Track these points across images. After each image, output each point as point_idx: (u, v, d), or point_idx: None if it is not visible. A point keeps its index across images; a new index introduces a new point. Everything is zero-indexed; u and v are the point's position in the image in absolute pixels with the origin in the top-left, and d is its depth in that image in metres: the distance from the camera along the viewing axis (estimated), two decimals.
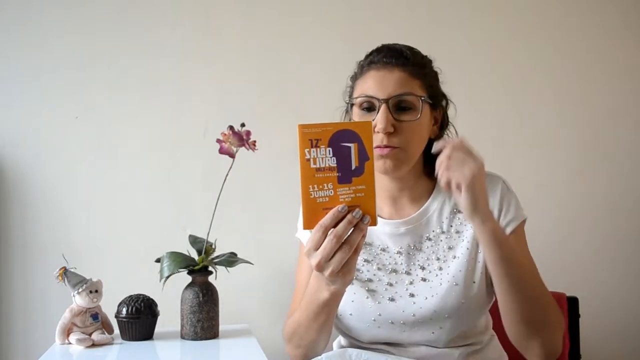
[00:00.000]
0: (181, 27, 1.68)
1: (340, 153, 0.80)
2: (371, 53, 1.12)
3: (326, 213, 0.81)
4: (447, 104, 1.16)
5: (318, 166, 0.80)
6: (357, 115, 1.10)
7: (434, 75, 1.14)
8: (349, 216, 0.81)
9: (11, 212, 1.58)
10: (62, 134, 1.61)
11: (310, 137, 0.79)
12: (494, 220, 0.98)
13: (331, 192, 0.81)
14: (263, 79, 1.70)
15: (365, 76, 1.10)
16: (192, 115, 1.67)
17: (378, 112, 1.05)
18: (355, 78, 1.14)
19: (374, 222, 0.82)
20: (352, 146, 0.81)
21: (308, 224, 0.81)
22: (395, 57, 1.08)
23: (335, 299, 0.96)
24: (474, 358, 1.12)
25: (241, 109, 1.67)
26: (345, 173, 0.81)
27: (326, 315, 1.01)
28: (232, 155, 1.37)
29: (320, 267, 0.85)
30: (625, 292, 1.85)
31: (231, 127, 1.36)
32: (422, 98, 1.06)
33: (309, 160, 0.80)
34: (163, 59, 1.66)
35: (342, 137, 0.80)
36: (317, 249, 0.83)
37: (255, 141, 1.38)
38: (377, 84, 1.06)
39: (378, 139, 1.05)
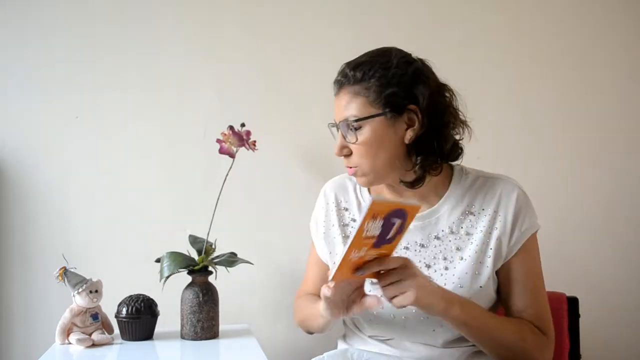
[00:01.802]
0: (182, 27, 1.68)
1: (387, 225, 0.87)
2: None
3: (352, 268, 0.90)
4: (427, 104, 1.07)
5: (366, 235, 0.85)
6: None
7: (388, 80, 1.06)
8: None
9: (11, 212, 1.58)
10: (62, 134, 1.61)
11: (375, 212, 0.83)
12: (453, 305, 1.01)
13: (362, 253, 0.88)
14: (263, 79, 1.70)
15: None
16: (192, 115, 1.67)
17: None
18: None
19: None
20: (397, 222, 0.88)
21: (337, 277, 0.89)
22: (341, 80, 1.11)
23: (327, 325, 1.12)
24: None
25: (241, 109, 1.67)
26: (380, 241, 0.89)
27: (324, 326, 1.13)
28: (232, 155, 1.37)
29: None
30: (625, 292, 1.85)
31: (231, 127, 1.36)
32: (355, 120, 1.06)
33: (364, 230, 0.84)
34: (163, 59, 1.66)
35: (395, 214, 0.87)
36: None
37: (255, 141, 1.39)
38: (335, 111, 1.12)
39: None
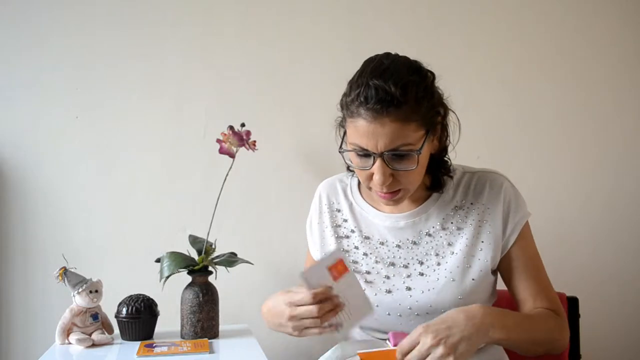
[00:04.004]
0: (181, 27, 1.68)
1: None
2: (359, 91, 1.00)
3: None
4: (445, 112, 1.10)
5: None
6: (353, 157, 1.06)
7: (429, 98, 1.04)
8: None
9: (11, 212, 1.58)
10: (62, 134, 1.61)
11: None
12: (494, 329, 0.98)
13: None
14: (263, 78, 1.70)
15: (356, 122, 1.01)
16: (192, 115, 1.67)
17: (374, 162, 1.02)
18: (345, 108, 1.05)
19: None
20: None
21: None
22: (385, 104, 0.97)
23: None
24: (474, 357, 1.12)
25: (241, 109, 1.67)
26: None
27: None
28: (232, 155, 1.37)
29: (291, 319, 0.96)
30: (625, 292, 1.85)
31: (231, 127, 1.36)
32: (418, 151, 1.01)
33: None
34: (163, 59, 1.66)
35: None
36: (298, 305, 0.95)
37: (255, 141, 1.39)
38: (369, 138, 1.00)
39: (378, 186, 1.04)
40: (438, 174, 1.14)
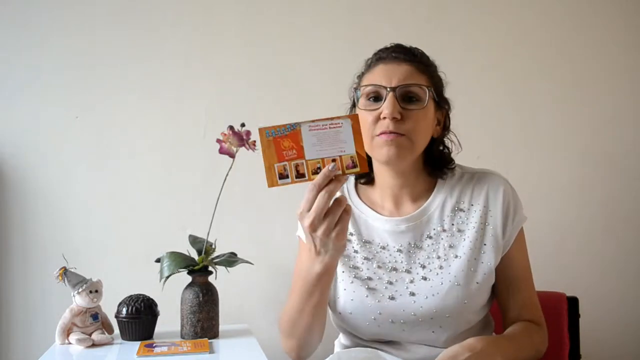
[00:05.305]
0: (181, 27, 1.68)
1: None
2: (380, 50, 1.16)
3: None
4: (449, 108, 1.17)
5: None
6: (363, 104, 1.11)
7: (439, 79, 1.16)
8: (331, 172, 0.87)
9: (11, 212, 1.58)
10: (62, 134, 1.61)
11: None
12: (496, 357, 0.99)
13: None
14: (263, 79, 1.70)
15: (373, 70, 1.12)
16: (192, 115, 1.67)
17: (385, 100, 1.07)
18: (362, 74, 1.16)
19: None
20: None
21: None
22: (404, 53, 1.12)
23: (327, 272, 0.98)
24: None
25: (241, 109, 1.67)
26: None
27: (320, 293, 1.02)
28: (232, 155, 1.37)
29: (314, 227, 0.88)
30: (625, 292, 1.85)
31: (231, 127, 1.36)
32: (429, 88, 1.09)
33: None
34: (163, 59, 1.66)
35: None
36: (309, 209, 0.88)
37: (255, 141, 1.38)
38: (385, 75, 1.09)
39: (384, 125, 1.06)
40: (437, 160, 1.17)
